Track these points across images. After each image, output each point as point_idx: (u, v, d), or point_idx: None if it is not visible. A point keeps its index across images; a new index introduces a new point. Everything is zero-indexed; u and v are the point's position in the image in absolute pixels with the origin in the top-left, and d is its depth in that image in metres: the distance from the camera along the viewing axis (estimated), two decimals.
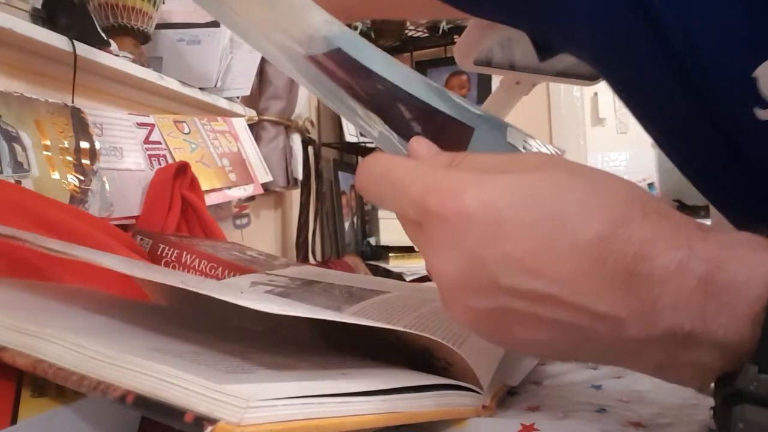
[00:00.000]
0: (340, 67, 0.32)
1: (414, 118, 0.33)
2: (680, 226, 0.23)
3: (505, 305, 0.24)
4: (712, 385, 0.23)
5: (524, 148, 0.34)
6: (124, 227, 0.75)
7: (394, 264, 1.60)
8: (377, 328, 0.30)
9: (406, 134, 0.33)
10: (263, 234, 1.41)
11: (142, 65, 0.94)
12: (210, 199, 0.94)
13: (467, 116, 0.33)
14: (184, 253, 0.61)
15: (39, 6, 0.78)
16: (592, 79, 0.76)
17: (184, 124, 0.98)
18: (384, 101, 0.33)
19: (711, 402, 0.23)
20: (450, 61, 2.15)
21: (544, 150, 0.35)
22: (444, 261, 0.25)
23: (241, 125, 1.14)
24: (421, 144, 0.31)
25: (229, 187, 1.02)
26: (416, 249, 0.30)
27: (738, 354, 0.22)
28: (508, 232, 0.23)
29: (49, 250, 0.31)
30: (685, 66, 0.33)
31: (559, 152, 0.38)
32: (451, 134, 0.33)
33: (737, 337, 0.21)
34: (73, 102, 0.79)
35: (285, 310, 0.26)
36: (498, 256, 0.24)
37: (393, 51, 2.44)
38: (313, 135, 1.52)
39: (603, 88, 0.59)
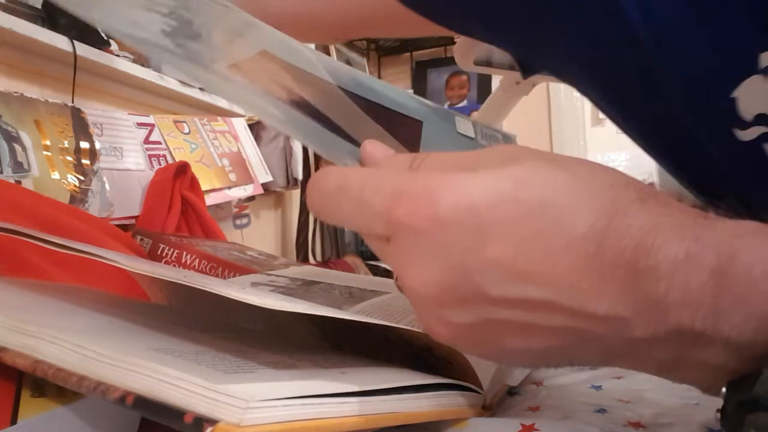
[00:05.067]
0: (266, 70, 0.29)
1: (358, 119, 0.29)
2: (683, 213, 0.21)
3: (492, 316, 0.22)
4: (724, 388, 0.21)
5: (476, 133, 0.32)
6: (124, 227, 0.75)
7: None
8: (377, 326, 0.30)
9: (351, 138, 0.29)
10: (263, 234, 1.41)
11: (142, 65, 0.94)
12: (210, 199, 0.94)
13: (412, 109, 0.30)
14: (184, 253, 0.61)
15: (39, 6, 0.78)
16: None
17: (184, 124, 0.98)
18: (323, 104, 0.29)
19: (713, 402, 0.22)
20: (450, 61, 2.15)
21: (495, 135, 0.32)
22: (419, 274, 0.22)
23: (241, 125, 1.14)
24: (374, 147, 0.27)
25: (229, 187, 1.02)
26: (387, 265, 0.26)
27: (753, 355, 0.20)
28: (491, 234, 0.21)
29: (52, 244, 0.31)
30: (670, 94, 0.33)
31: (510, 138, 0.36)
32: (400, 131, 0.30)
33: (752, 336, 0.19)
34: (73, 102, 0.79)
35: (285, 307, 0.26)
36: (482, 263, 0.21)
37: (393, 51, 2.45)
38: None
39: None
